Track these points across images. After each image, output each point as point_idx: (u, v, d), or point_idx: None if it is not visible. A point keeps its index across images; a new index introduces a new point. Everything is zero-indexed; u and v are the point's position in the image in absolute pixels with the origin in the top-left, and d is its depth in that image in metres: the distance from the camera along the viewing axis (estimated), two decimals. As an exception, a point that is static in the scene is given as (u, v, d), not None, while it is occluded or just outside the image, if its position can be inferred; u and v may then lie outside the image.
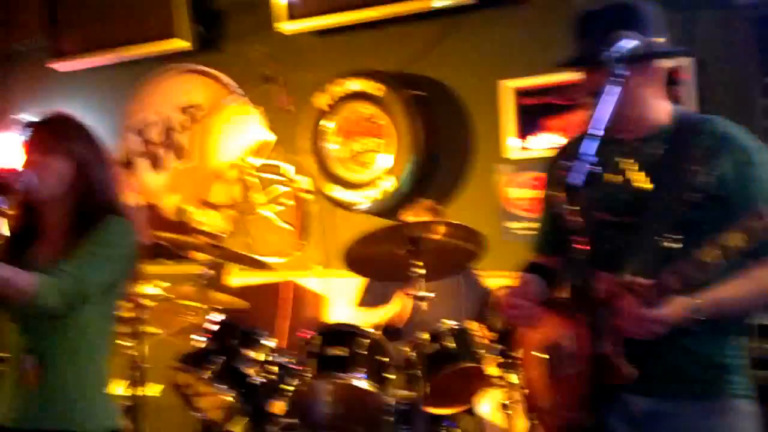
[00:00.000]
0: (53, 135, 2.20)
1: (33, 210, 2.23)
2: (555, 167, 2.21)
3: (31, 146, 2.19)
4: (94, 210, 2.18)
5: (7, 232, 2.12)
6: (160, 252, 4.43)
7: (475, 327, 3.31)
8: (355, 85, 4.36)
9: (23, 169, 2.14)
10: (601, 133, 1.84)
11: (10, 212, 2.21)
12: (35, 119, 2.24)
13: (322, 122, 4.46)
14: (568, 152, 2.11)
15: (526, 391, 2.30)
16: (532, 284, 2.22)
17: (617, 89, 1.86)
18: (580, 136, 1.92)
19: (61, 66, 5.20)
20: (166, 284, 3.77)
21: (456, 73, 4.28)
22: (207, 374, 3.19)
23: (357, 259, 3.38)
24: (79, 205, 2.19)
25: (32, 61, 5.40)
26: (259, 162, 4.65)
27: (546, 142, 4.01)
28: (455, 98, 4.28)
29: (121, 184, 2.34)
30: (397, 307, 3.70)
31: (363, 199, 4.37)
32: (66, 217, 2.20)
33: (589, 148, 1.83)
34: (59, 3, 5.14)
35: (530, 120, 4.07)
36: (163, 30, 4.81)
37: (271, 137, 4.64)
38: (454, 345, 3.21)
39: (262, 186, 4.66)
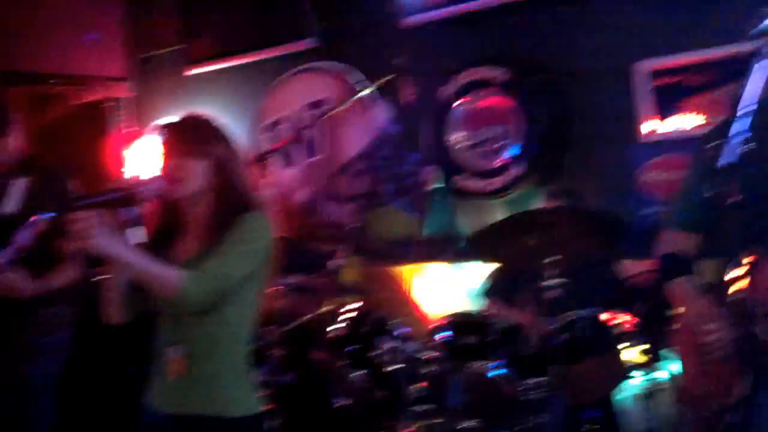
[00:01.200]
0: (191, 137, 2.25)
1: (174, 208, 2.31)
2: (706, 148, 2.12)
3: (170, 148, 2.25)
4: (232, 207, 2.23)
5: (143, 239, 2.20)
6: (294, 245, 4.54)
7: (612, 315, 3.20)
8: (482, 72, 4.32)
9: (149, 178, 2.21)
10: (754, 108, 1.76)
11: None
12: (172, 122, 2.32)
13: (448, 111, 4.45)
14: (718, 132, 2.01)
15: (683, 379, 2.21)
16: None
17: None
18: (729, 116, 1.84)
19: (195, 71, 5.42)
20: (301, 276, 3.85)
21: (587, 56, 4.16)
22: (342, 361, 3.24)
23: (486, 248, 3.34)
24: (218, 203, 2.24)
25: (168, 68, 5.66)
26: (385, 153, 4.68)
27: (685, 123, 3.84)
28: (587, 81, 4.16)
29: (255, 181, 2.39)
30: (526, 318, 3.60)
31: (491, 187, 4.32)
32: (206, 214, 2.26)
33: (742, 125, 1.75)
34: (192, 13, 5.37)
35: (667, 101, 3.90)
36: (290, 31, 4.93)
37: (398, 128, 4.66)
38: (591, 334, 3.12)
39: (389, 177, 4.69)
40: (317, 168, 4.98)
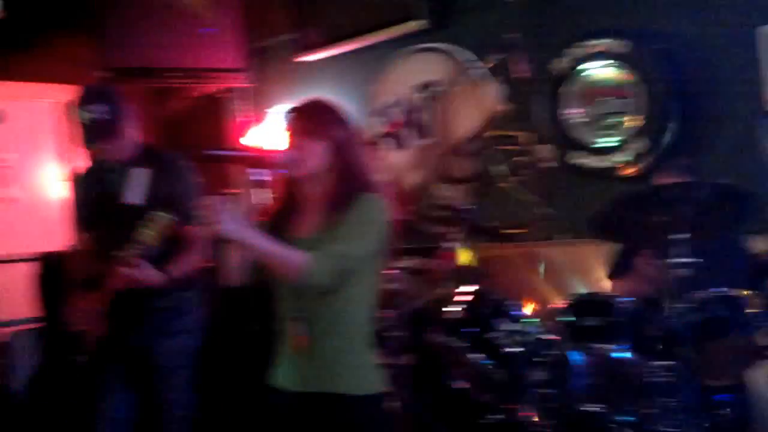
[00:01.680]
0: (312, 120, 2.34)
1: (294, 188, 2.36)
2: None
3: (293, 131, 2.34)
4: (350, 187, 2.29)
5: (267, 201, 2.28)
6: (408, 228, 4.55)
7: (746, 294, 3.04)
8: (597, 45, 4.18)
9: (284, 151, 2.28)
10: None
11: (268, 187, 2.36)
12: (295, 106, 2.38)
13: (562, 87, 4.33)
14: None
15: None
16: None
17: None
18: None
19: (308, 58, 5.49)
20: (416, 258, 3.85)
21: (707, 24, 3.95)
22: (460, 344, 3.22)
23: (607, 226, 3.24)
24: (337, 183, 2.31)
25: (282, 57, 5.77)
26: (498, 133, 4.61)
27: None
28: (708, 50, 3.95)
29: (372, 163, 2.42)
30: (639, 277, 3.48)
31: (611, 164, 4.18)
32: (325, 195, 2.32)
33: None
34: (304, 1, 5.44)
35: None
36: (399, 13, 4.92)
37: (511, 107, 4.57)
38: (723, 314, 2.98)
39: (503, 157, 4.62)
40: (429, 150, 4.96)
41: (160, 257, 3.13)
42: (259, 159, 2.23)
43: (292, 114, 2.37)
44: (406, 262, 3.91)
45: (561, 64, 4.31)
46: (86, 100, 3.24)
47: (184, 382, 3.36)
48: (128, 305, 3.22)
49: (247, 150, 2.22)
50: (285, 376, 2.35)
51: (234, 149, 2.17)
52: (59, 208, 4.88)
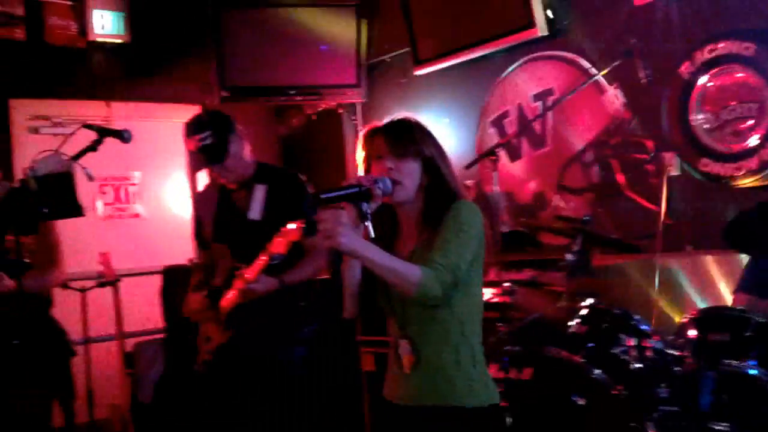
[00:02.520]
0: (403, 139, 2.31)
1: (392, 210, 2.36)
2: None
3: (384, 153, 2.31)
4: (443, 202, 2.28)
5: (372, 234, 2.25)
6: (523, 239, 4.45)
7: None
8: (721, 47, 3.97)
9: (380, 176, 2.26)
10: None
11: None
12: (378, 127, 2.36)
13: (686, 92, 4.13)
14: None
15: None
16: None
17: None
18: None
19: (422, 71, 5.49)
20: (531, 270, 3.76)
21: None
22: (581, 359, 3.11)
23: (740, 237, 3.05)
24: (430, 200, 2.31)
25: (396, 71, 5.80)
26: (620, 141, 4.45)
27: None
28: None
29: (458, 173, 2.42)
30: None
31: (739, 170, 3.95)
32: (418, 212, 2.33)
33: None
34: (416, 15, 5.45)
35: None
36: (516, 22, 4.84)
37: (631, 114, 4.41)
38: None
39: (623, 165, 4.45)
40: (546, 160, 4.85)
41: (278, 266, 3.19)
42: (366, 191, 2.20)
43: (380, 135, 2.33)
44: (524, 275, 3.82)
45: (687, 68, 4.12)
46: (192, 128, 3.43)
47: (299, 390, 3.40)
48: (247, 317, 3.30)
49: (356, 183, 2.19)
50: (398, 390, 2.34)
51: (344, 188, 2.14)
52: (182, 225, 5.06)
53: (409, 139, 2.32)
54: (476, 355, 2.29)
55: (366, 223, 2.17)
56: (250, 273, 3.13)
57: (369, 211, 2.18)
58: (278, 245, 3.01)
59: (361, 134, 2.40)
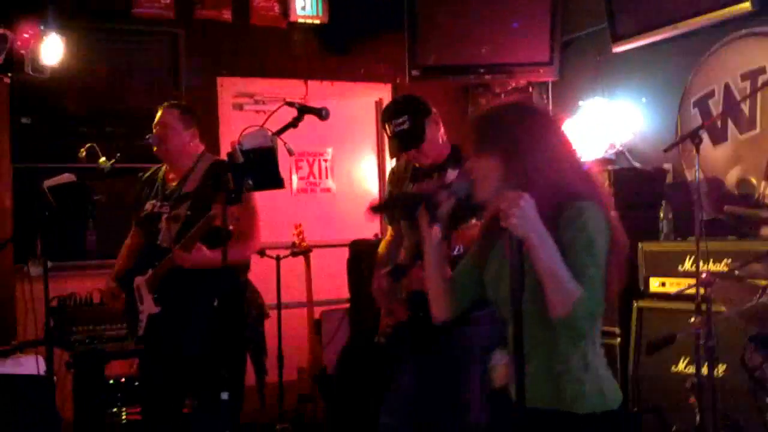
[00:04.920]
0: (479, 134, 2.16)
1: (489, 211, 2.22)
2: None
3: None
4: (549, 202, 2.01)
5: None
6: (725, 227, 4.17)
7: None
8: None
9: (453, 180, 2.18)
10: None
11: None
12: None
13: None
14: None
15: None
16: None
17: None
18: None
19: (620, 48, 5.26)
20: (731, 261, 3.51)
21: None
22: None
23: None
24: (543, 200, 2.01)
25: (591, 48, 5.59)
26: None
27: None
28: None
29: (578, 162, 2.15)
30: None
31: None
32: None
33: None
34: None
35: None
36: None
37: None
38: None
39: None
40: (754, 143, 4.50)
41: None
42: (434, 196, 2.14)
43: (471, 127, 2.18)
44: (722, 265, 3.56)
45: None
46: (389, 113, 3.52)
47: (472, 371, 3.40)
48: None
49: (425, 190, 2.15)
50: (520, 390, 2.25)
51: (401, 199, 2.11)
52: (370, 200, 5.18)
53: (484, 133, 2.14)
54: (589, 358, 2.11)
55: (435, 226, 2.14)
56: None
57: (437, 217, 2.13)
58: (463, 237, 2.99)
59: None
